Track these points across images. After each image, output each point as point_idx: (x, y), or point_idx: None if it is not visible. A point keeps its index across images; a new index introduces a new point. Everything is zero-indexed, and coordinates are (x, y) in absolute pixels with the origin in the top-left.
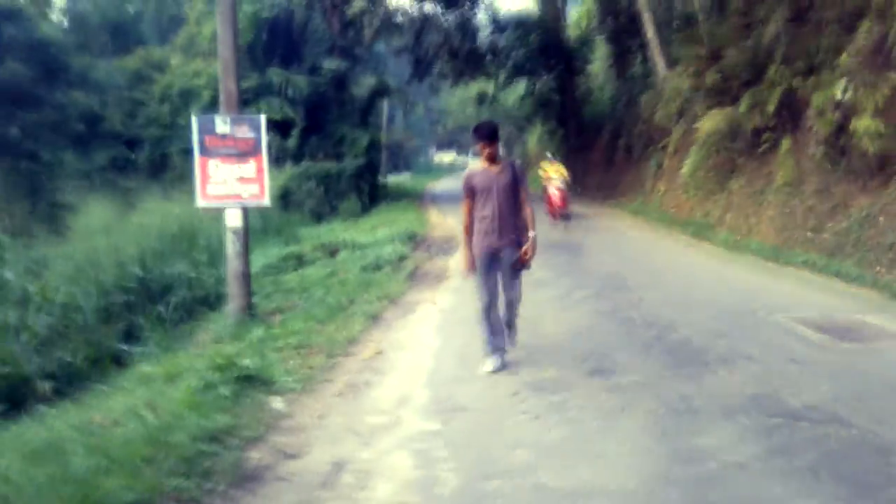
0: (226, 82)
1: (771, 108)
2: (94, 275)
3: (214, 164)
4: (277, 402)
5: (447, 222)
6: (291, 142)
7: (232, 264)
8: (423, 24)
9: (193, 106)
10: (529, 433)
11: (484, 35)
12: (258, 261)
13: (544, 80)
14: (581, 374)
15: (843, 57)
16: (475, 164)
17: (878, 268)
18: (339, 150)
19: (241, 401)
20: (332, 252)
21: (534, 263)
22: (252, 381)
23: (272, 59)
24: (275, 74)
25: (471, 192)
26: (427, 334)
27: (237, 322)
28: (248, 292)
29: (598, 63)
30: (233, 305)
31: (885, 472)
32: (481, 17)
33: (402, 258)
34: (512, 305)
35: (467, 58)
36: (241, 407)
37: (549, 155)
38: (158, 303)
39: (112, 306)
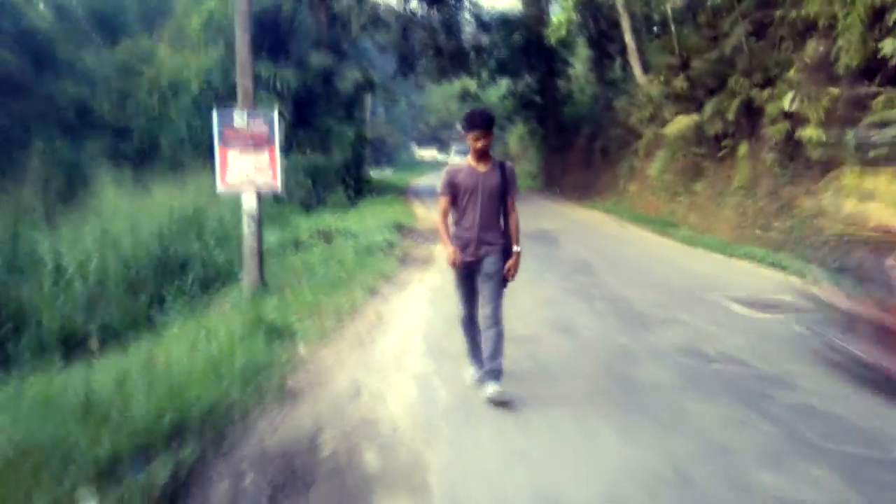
0: (242, 81)
1: (731, 115)
2: (119, 251)
3: (233, 155)
4: (302, 349)
5: (431, 215)
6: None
7: (247, 242)
8: (409, 21)
9: (182, 97)
10: (506, 370)
11: (468, 33)
12: None
13: (526, 80)
14: (546, 330)
15: (792, 71)
16: (458, 161)
17: (810, 260)
18: (325, 144)
19: (273, 347)
20: (328, 238)
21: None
22: (278, 334)
23: (260, 53)
24: (263, 69)
25: (451, 192)
26: (419, 305)
27: (252, 293)
28: (261, 268)
29: (580, 66)
30: (248, 279)
31: (761, 391)
32: (466, 15)
33: (391, 245)
34: (490, 325)
35: (451, 56)
36: (274, 351)
37: None
38: (177, 278)
39: (136, 279)
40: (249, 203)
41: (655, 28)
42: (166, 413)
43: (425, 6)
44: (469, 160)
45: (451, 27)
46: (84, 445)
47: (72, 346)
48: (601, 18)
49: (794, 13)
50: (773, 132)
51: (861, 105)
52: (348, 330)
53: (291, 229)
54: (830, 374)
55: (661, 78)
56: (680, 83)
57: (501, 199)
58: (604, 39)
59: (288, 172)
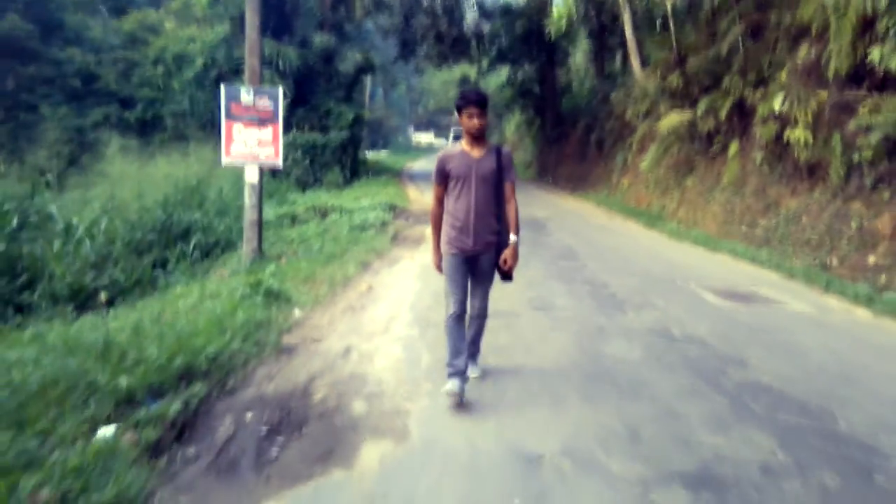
0: (250, 60)
1: (723, 114)
2: (125, 216)
3: (238, 128)
4: (297, 312)
5: (424, 198)
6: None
7: (248, 213)
8: (413, 6)
9: (186, 70)
10: (484, 340)
11: (470, 20)
12: None
13: (526, 69)
14: (526, 308)
15: (783, 73)
16: (452, 146)
17: (793, 259)
18: (324, 123)
19: (270, 309)
20: (323, 214)
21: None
22: (276, 297)
23: (264, 31)
24: (267, 46)
25: (444, 179)
26: (408, 279)
27: (251, 261)
28: (260, 237)
29: (580, 57)
30: (247, 247)
31: (717, 368)
32: (469, 3)
33: (384, 223)
34: (476, 317)
35: (453, 42)
36: (271, 312)
37: None
38: (180, 243)
39: (141, 242)
40: (251, 176)
41: (657, 24)
42: (176, 357)
43: None
44: (463, 144)
45: (454, 14)
46: (104, 380)
47: (81, 300)
48: (603, 12)
49: (788, 17)
50: (762, 132)
51: (848, 109)
52: (341, 298)
53: (288, 204)
54: (784, 357)
55: (658, 73)
56: (675, 80)
57: (497, 186)
58: (604, 33)
59: (286, 150)
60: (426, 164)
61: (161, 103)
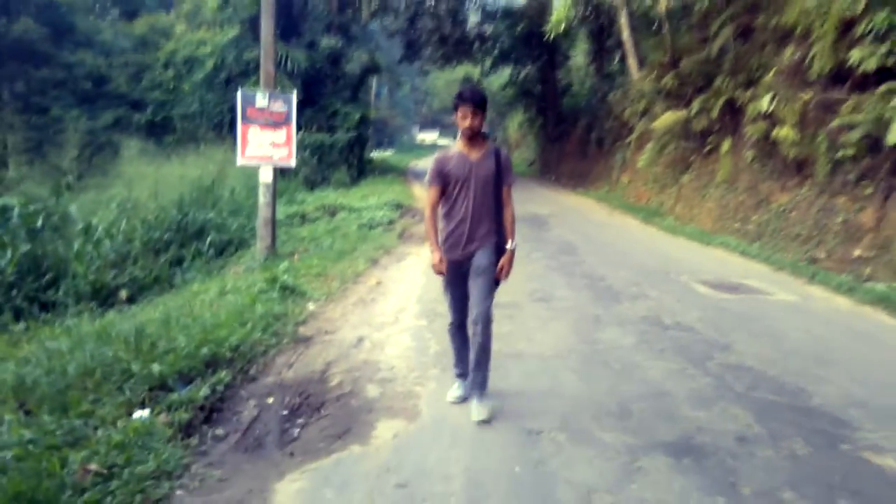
0: (265, 65)
1: (715, 113)
2: (142, 215)
3: (253, 131)
4: (311, 305)
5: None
6: None
7: (262, 212)
8: (417, 8)
9: (196, 73)
10: None
11: (473, 22)
12: None
13: (528, 69)
14: (528, 300)
15: (770, 74)
16: (450, 146)
17: (784, 252)
18: (331, 124)
19: (286, 302)
20: (332, 213)
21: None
22: (291, 292)
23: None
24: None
25: (441, 182)
26: (415, 274)
27: (265, 258)
28: (274, 235)
29: (580, 58)
30: (261, 245)
31: (704, 353)
32: (473, 5)
33: (391, 221)
34: (481, 328)
35: (456, 43)
36: (288, 305)
37: None
38: (195, 241)
39: (158, 241)
40: (266, 176)
41: (654, 26)
42: (203, 347)
43: None
44: (459, 145)
45: (457, 16)
46: (137, 368)
47: (103, 297)
48: (601, 14)
49: (774, 20)
50: (752, 131)
51: (831, 109)
52: (352, 292)
53: (298, 203)
54: (766, 342)
55: (654, 75)
56: (670, 80)
57: (496, 189)
58: (603, 34)
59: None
60: (430, 163)
61: (171, 105)
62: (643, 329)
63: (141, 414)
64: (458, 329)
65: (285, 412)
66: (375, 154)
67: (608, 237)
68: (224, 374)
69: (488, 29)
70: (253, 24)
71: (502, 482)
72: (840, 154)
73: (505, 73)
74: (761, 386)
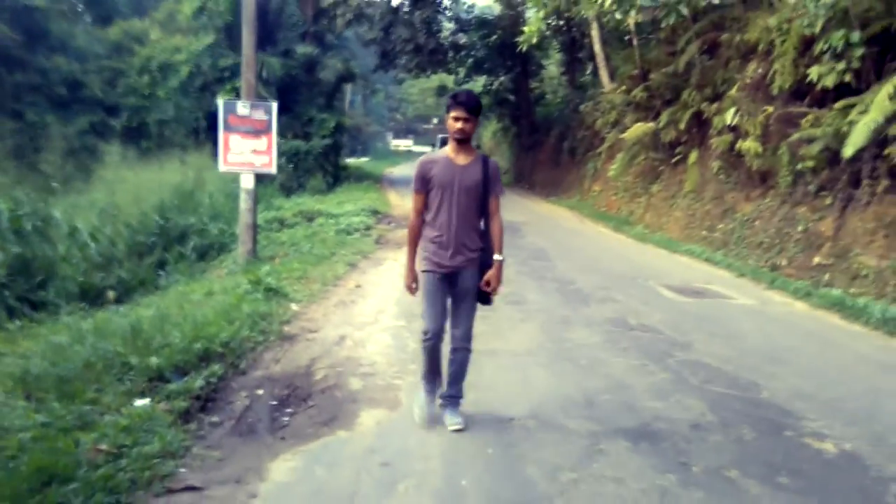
0: (246, 75)
1: (682, 125)
2: (125, 219)
3: (235, 139)
4: (294, 306)
5: (405, 203)
6: None
7: (244, 217)
8: (392, 18)
9: (172, 79)
10: None
11: (447, 29)
12: None
13: (502, 79)
14: (502, 302)
15: (734, 89)
16: (435, 152)
17: (747, 260)
18: (306, 131)
19: (271, 303)
20: (310, 218)
21: None
22: (275, 293)
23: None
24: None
25: (425, 187)
26: (393, 278)
27: (246, 261)
28: (255, 239)
29: (554, 67)
30: (242, 249)
31: (665, 351)
32: (447, 15)
33: (368, 227)
34: (459, 348)
35: (430, 53)
36: (272, 305)
37: None
38: (177, 245)
39: (142, 245)
40: (247, 182)
41: (625, 38)
42: (195, 342)
43: (408, 5)
44: (448, 150)
45: (431, 26)
46: (136, 361)
47: (91, 297)
48: (573, 27)
49: (738, 37)
50: (718, 143)
51: (792, 123)
52: (332, 294)
53: (275, 209)
54: (724, 341)
55: (624, 87)
56: (639, 93)
57: (482, 198)
58: (575, 46)
59: None
60: (405, 170)
61: (147, 111)
62: (609, 329)
63: (142, 402)
64: (434, 339)
65: (275, 402)
66: (350, 161)
67: (579, 244)
68: (217, 368)
69: (462, 39)
70: (228, 32)
71: (477, 461)
72: (801, 166)
73: (479, 82)
74: (716, 380)
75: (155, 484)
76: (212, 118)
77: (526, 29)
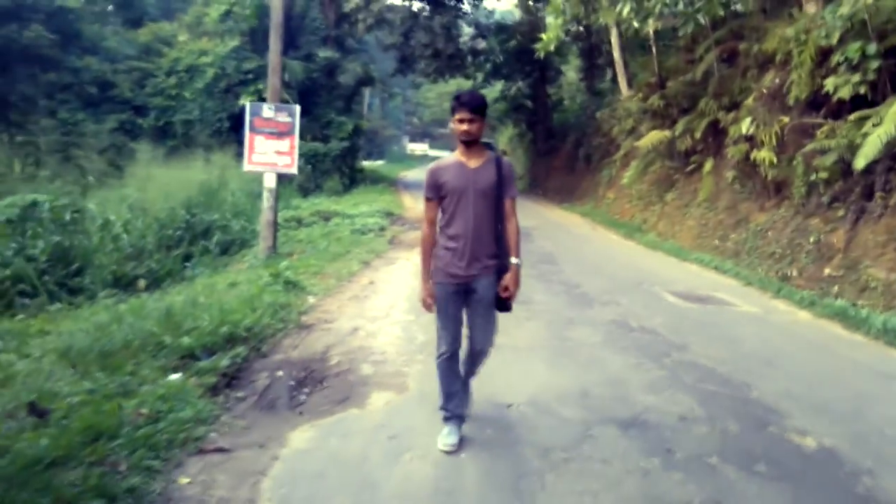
0: (272, 79)
1: (698, 134)
2: (154, 213)
3: (259, 140)
4: (311, 298)
5: (418, 206)
6: None
7: (265, 214)
8: (412, 23)
9: (197, 81)
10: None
11: (466, 34)
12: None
13: (519, 84)
14: None
15: (751, 98)
16: (445, 156)
17: (758, 270)
18: (325, 133)
19: (289, 294)
20: (326, 218)
21: None
22: (293, 286)
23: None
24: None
25: (437, 194)
26: (405, 276)
27: (266, 256)
28: (275, 236)
29: (572, 73)
30: (263, 244)
31: (662, 351)
32: (467, 20)
33: (382, 228)
34: (477, 358)
35: (449, 58)
36: (290, 297)
37: None
38: (202, 240)
39: (169, 238)
40: (270, 182)
41: (645, 45)
42: (222, 326)
43: (428, 10)
44: (458, 154)
45: (451, 31)
46: (169, 340)
47: (123, 285)
48: (593, 33)
49: (756, 46)
50: (733, 152)
51: (807, 133)
52: (346, 289)
53: (293, 209)
54: (722, 345)
55: (641, 94)
56: (656, 101)
57: (497, 201)
58: (595, 52)
59: None
60: (420, 174)
61: (173, 111)
62: (610, 330)
63: (175, 376)
64: (450, 360)
65: (293, 383)
66: (366, 164)
67: (588, 250)
68: (241, 350)
69: (481, 44)
70: (252, 36)
71: (476, 439)
72: (814, 177)
73: (497, 87)
74: (709, 379)
75: (189, 444)
76: (234, 119)
77: (544, 36)
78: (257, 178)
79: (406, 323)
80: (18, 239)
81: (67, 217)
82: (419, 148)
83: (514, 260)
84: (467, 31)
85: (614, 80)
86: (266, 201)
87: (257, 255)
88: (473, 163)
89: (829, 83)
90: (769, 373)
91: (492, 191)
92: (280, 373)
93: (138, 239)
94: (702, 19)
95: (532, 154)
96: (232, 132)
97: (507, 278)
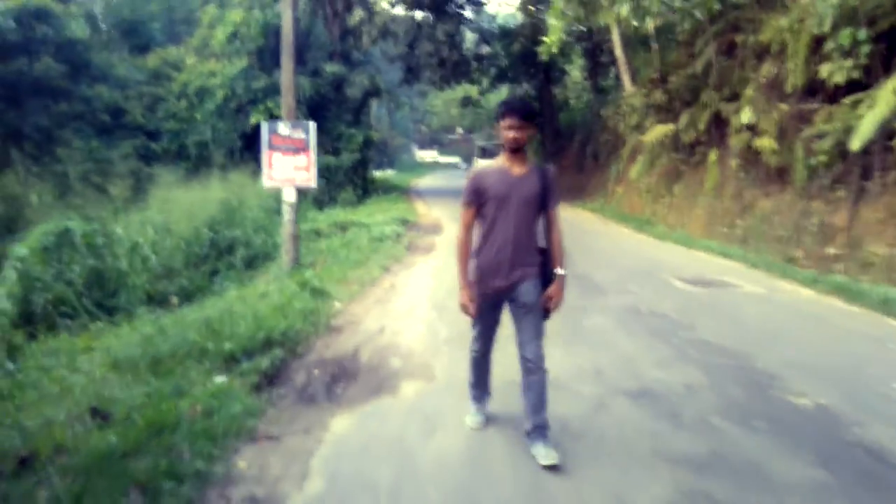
0: (286, 98)
1: (702, 126)
2: (180, 233)
3: (277, 157)
4: (338, 304)
5: (432, 213)
6: None
7: (287, 227)
8: (416, 35)
9: (208, 102)
10: None
11: (470, 41)
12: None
13: (525, 87)
14: None
15: (749, 89)
16: (484, 163)
17: (765, 254)
18: (336, 146)
19: (317, 301)
20: (343, 228)
21: None
22: (319, 293)
23: (278, 62)
24: (281, 76)
25: (477, 200)
26: (424, 279)
27: (290, 268)
28: (297, 248)
29: (577, 72)
30: (286, 257)
31: (671, 331)
32: (470, 26)
33: (398, 235)
34: (534, 369)
35: (455, 65)
36: (318, 303)
37: None
38: (226, 255)
39: (195, 256)
40: (289, 196)
41: (646, 42)
42: (259, 332)
43: (432, 19)
44: (502, 160)
45: (455, 38)
46: (212, 347)
47: (156, 302)
48: (595, 31)
49: (752, 38)
50: (736, 141)
51: (805, 119)
52: (370, 294)
53: (310, 221)
54: (727, 323)
55: (644, 91)
56: (659, 95)
57: (539, 210)
58: (598, 51)
59: None
60: (431, 182)
61: (185, 134)
62: (621, 315)
63: (221, 378)
64: (482, 359)
65: (329, 379)
66: (377, 174)
67: (600, 244)
68: (278, 352)
69: (485, 49)
70: (260, 55)
71: (499, 416)
72: (814, 161)
73: (503, 91)
74: (715, 353)
75: (242, 434)
76: (247, 138)
77: (546, 39)
78: (274, 194)
79: (429, 320)
80: (55, 264)
81: (99, 242)
82: (429, 155)
83: (559, 271)
84: (471, 37)
85: (618, 77)
86: (287, 215)
87: (281, 267)
88: (518, 170)
89: (824, 70)
90: (771, 344)
91: (535, 199)
92: (316, 371)
93: (167, 259)
94: (699, 14)
95: (541, 155)
96: (245, 151)
97: (552, 289)
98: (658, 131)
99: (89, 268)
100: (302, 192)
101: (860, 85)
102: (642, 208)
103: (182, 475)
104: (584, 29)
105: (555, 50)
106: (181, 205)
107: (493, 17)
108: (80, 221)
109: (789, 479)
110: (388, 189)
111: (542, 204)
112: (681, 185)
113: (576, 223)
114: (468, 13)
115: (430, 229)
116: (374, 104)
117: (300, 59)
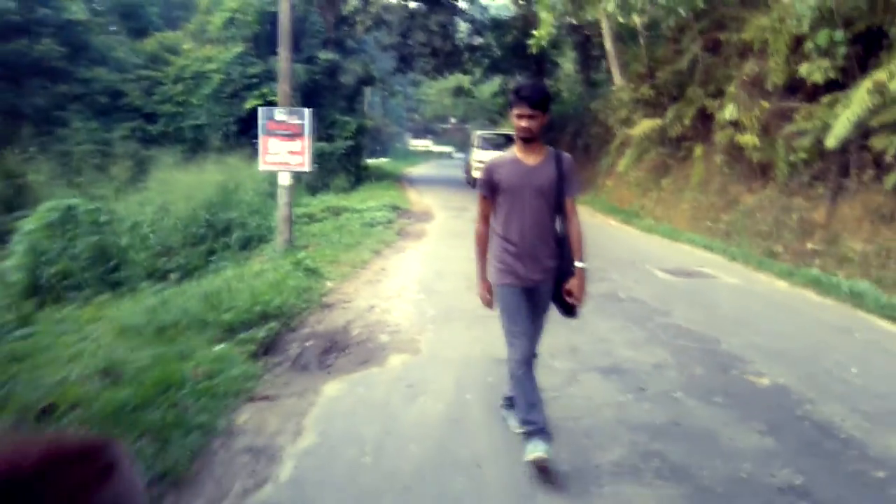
0: (282, 86)
1: (688, 121)
2: (178, 214)
3: (273, 141)
4: (329, 283)
5: (424, 201)
6: None
7: (281, 210)
8: (410, 24)
9: (204, 87)
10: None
11: (463, 31)
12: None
13: (517, 78)
14: None
15: (732, 86)
16: (493, 154)
17: (747, 248)
18: (329, 133)
19: (310, 280)
20: (336, 213)
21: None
22: (312, 273)
23: (274, 48)
24: (277, 63)
25: (492, 191)
26: (414, 263)
27: (284, 249)
28: (291, 230)
29: (569, 65)
30: (280, 238)
31: (646, 316)
32: (463, 17)
33: (390, 221)
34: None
35: (447, 55)
36: (311, 282)
37: None
38: (222, 236)
39: (193, 236)
40: (284, 180)
41: (635, 37)
42: (255, 306)
43: (425, 9)
44: (515, 150)
45: (447, 29)
46: (212, 318)
47: (156, 279)
48: (586, 25)
49: (736, 36)
50: (721, 137)
51: (786, 117)
52: (361, 275)
53: (303, 206)
54: (700, 310)
55: (632, 85)
56: (647, 90)
57: (556, 200)
58: (589, 44)
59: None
60: (424, 170)
61: (182, 117)
62: (600, 301)
63: (221, 346)
64: (527, 366)
65: (321, 350)
66: (371, 161)
67: (586, 235)
68: (273, 325)
69: (478, 40)
70: (256, 41)
71: (479, 385)
72: (794, 157)
73: (496, 82)
74: (684, 336)
75: (242, 394)
76: (242, 123)
77: (536, 32)
78: (268, 178)
79: (417, 301)
80: (60, 240)
81: (101, 219)
82: (422, 144)
83: (578, 264)
84: (464, 27)
85: (609, 70)
86: (282, 198)
87: (275, 249)
88: (531, 160)
89: (804, 69)
90: (739, 330)
91: (550, 189)
92: (309, 343)
93: (165, 238)
94: (682, 11)
95: None
96: (241, 135)
97: (573, 283)
98: (645, 125)
99: (92, 244)
100: (296, 177)
101: (838, 84)
102: (631, 201)
103: (188, 426)
104: (575, 22)
105: (544, 43)
106: (179, 186)
107: (486, 9)
108: (82, 199)
109: (738, 445)
110: (381, 176)
111: (559, 194)
112: (668, 179)
113: None
114: (461, 3)
115: (422, 216)
116: (367, 92)
117: (295, 45)
